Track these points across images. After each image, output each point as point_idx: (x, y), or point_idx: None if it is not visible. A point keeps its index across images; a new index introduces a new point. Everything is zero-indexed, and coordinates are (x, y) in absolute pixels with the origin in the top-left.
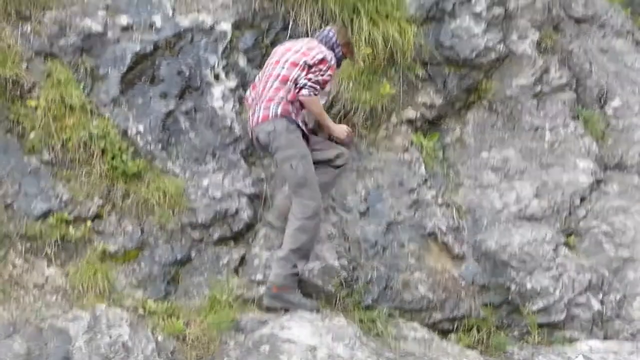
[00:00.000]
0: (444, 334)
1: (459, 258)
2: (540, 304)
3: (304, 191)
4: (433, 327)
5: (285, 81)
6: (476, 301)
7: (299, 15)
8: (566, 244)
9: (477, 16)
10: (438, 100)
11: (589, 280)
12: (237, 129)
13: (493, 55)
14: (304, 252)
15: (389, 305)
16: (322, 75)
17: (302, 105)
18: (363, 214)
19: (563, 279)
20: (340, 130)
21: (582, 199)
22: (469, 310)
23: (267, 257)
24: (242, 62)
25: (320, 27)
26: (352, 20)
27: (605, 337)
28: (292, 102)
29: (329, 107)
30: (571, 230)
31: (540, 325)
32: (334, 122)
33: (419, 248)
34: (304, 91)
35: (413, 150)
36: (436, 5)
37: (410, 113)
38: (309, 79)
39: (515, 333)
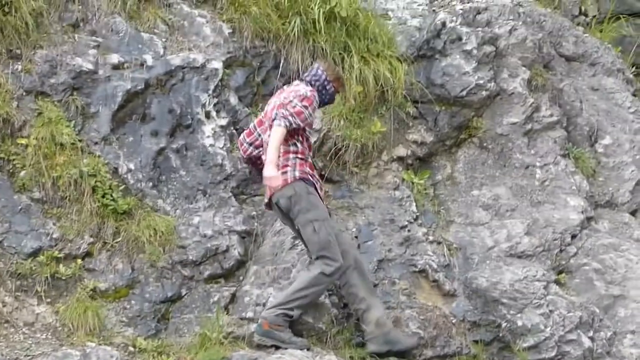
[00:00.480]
0: None
1: (449, 295)
2: (531, 341)
3: (327, 253)
4: None
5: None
6: (467, 338)
7: (290, 53)
8: (557, 282)
9: (467, 54)
10: (429, 138)
11: (580, 318)
12: (228, 167)
13: (484, 93)
14: (306, 302)
15: None
16: (294, 107)
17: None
18: None
19: (554, 316)
20: (271, 175)
21: (573, 237)
22: (460, 347)
23: (257, 294)
24: (233, 100)
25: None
26: (343, 58)
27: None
28: (305, 160)
29: (319, 145)
30: (562, 268)
31: None
32: (324, 160)
33: (409, 285)
34: (275, 121)
35: (404, 188)
36: (427, 44)
37: (401, 151)
38: (281, 112)
39: None
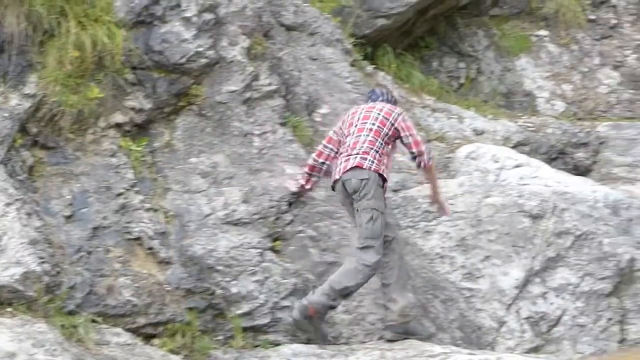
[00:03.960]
0: (148, 338)
1: (165, 263)
2: (245, 307)
3: (374, 243)
4: (136, 332)
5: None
6: (181, 306)
7: (5, 17)
8: (272, 249)
9: (187, 21)
10: (147, 105)
11: (294, 284)
12: None
13: (203, 61)
14: (348, 292)
15: (93, 311)
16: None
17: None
18: (68, 219)
19: (268, 282)
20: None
21: (290, 204)
22: (174, 315)
23: None
24: None
25: (27, 30)
26: (59, 23)
27: (308, 341)
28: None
29: (34, 110)
30: (278, 235)
31: (245, 329)
32: (38, 126)
33: (124, 253)
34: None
35: (121, 155)
36: (146, 10)
37: (119, 117)
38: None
39: (220, 337)
